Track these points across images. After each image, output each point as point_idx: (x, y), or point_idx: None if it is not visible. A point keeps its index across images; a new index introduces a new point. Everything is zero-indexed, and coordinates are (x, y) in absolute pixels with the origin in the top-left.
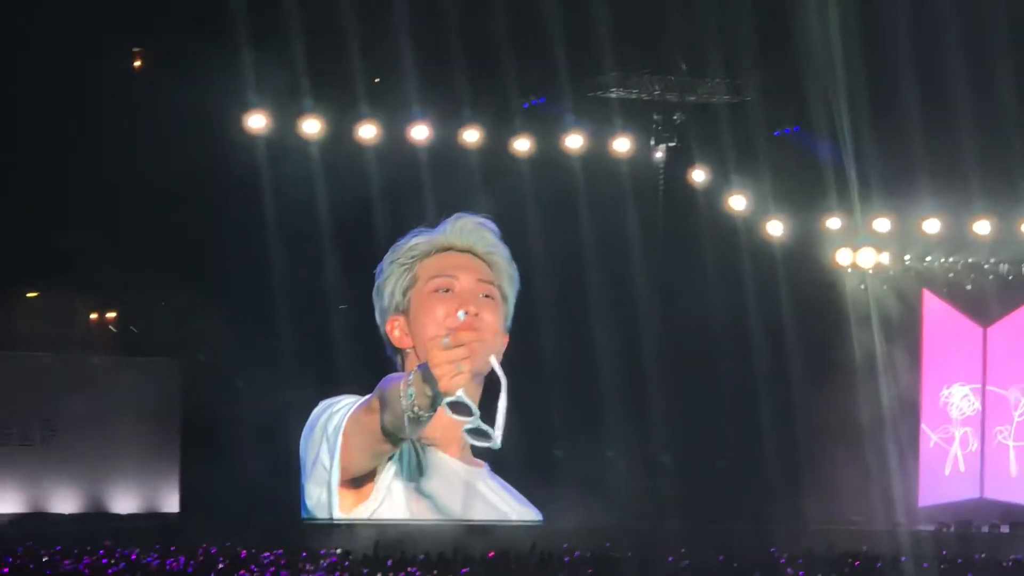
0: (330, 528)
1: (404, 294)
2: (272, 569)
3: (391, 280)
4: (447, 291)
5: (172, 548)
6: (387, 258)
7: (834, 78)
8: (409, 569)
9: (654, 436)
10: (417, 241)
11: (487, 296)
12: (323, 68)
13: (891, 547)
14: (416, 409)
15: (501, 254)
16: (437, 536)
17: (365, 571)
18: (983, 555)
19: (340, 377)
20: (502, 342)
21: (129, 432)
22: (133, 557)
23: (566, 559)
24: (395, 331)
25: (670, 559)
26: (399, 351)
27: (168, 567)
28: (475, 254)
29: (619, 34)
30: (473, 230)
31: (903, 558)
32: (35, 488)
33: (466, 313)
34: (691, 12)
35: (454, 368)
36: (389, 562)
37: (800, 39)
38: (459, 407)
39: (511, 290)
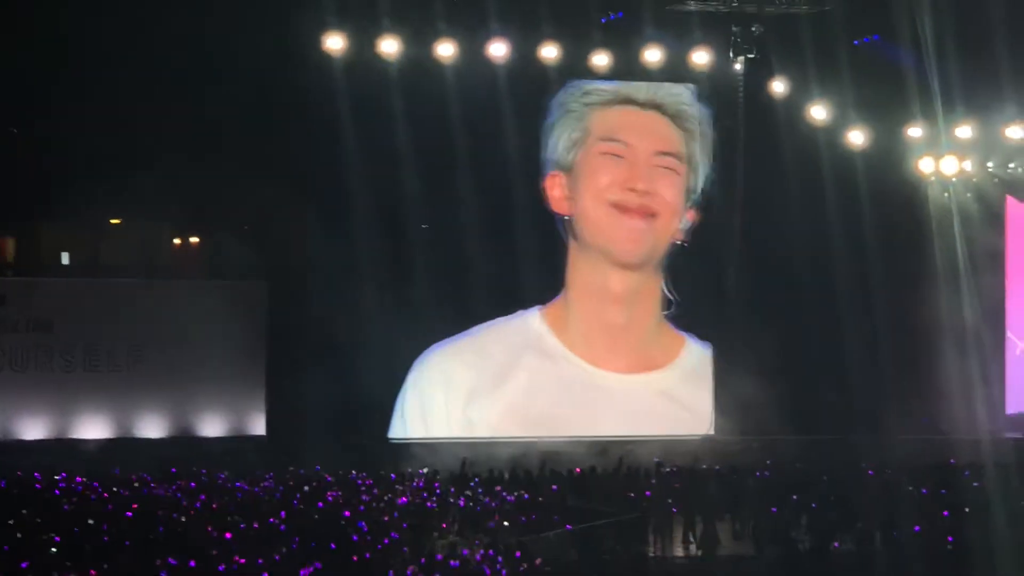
0: (416, 447)
1: (569, 150)
2: (362, 490)
3: (558, 129)
4: (617, 157)
5: (260, 471)
6: (559, 99)
7: None
8: (496, 488)
9: (737, 348)
10: (597, 87)
11: (666, 168)
12: None
13: (978, 455)
14: None
15: (695, 114)
16: (525, 453)
17: (452, 489)
18: None
19: (422, 297)
20: (685, 219)
21: (215, 356)
22: (221, 479)
23: (653, 477)
24: (555, 189)
25: (756, 474)
26: (560, 218)
27: (256, 490)
28: (662, 112)
29: None
30: (665, 86)
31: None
32: (123, 413)
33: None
34: None
35: None
36: (476, 480)
37: None
38: None
39: (704, 157)
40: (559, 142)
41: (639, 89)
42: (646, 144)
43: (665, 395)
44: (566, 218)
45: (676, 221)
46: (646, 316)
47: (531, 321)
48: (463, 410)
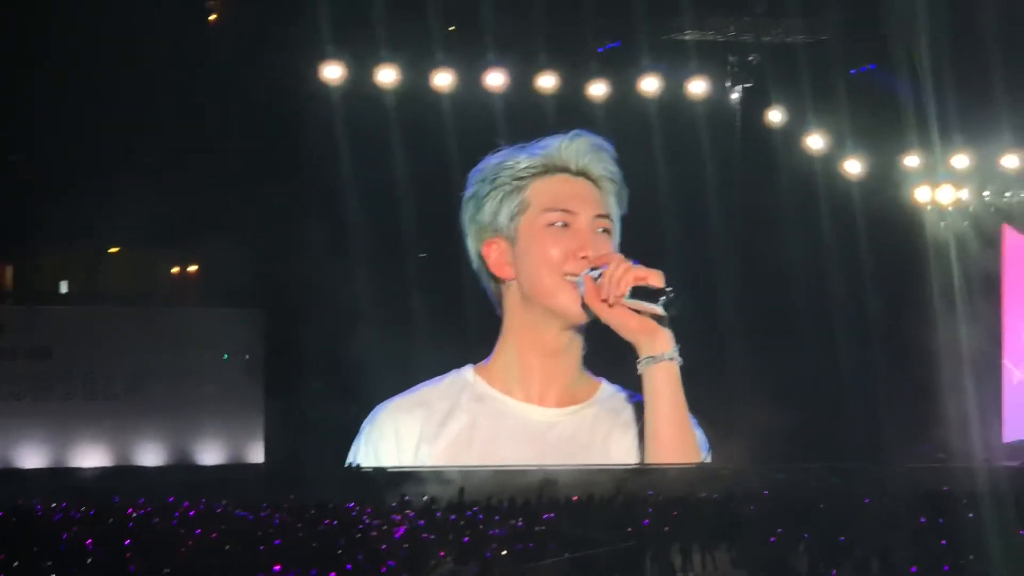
0: (415, 475)
1: (511, 219)
2: (360, 517)
3: (492, 201)
4: (564, 226)
5: (258, 499)
6: (480, 175)
7: (914, 13)
8: (494, 517)
9: (733, 375)
10: (521, 159)
11: (604, 231)
12: (398, 17)
13: (975, 484)
14: None
15: (616, 179)
16: (524, 482)
17: (452, 517)
18: None
19: (420, 325)
20: None
21: (213, 383)
22: (219, 510)
23: (650, 505)
24: (493, 255)
25: (752, 504)
26: (496, 280)
27: (254, 519)
28: (590, 178)
29: None
30: (590, 151)
31: (987, 495)
32: (121, 441)
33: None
34: None
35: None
36: (475, 508)
37: None
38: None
39: (619, 216)
40: (498, 211)
41: (569, 158)
42: (587, 210)
43: (592, 423)
44: (506, 283)
45: None
46: (576, 362)
47: (465, 375)
48: (413, 455)
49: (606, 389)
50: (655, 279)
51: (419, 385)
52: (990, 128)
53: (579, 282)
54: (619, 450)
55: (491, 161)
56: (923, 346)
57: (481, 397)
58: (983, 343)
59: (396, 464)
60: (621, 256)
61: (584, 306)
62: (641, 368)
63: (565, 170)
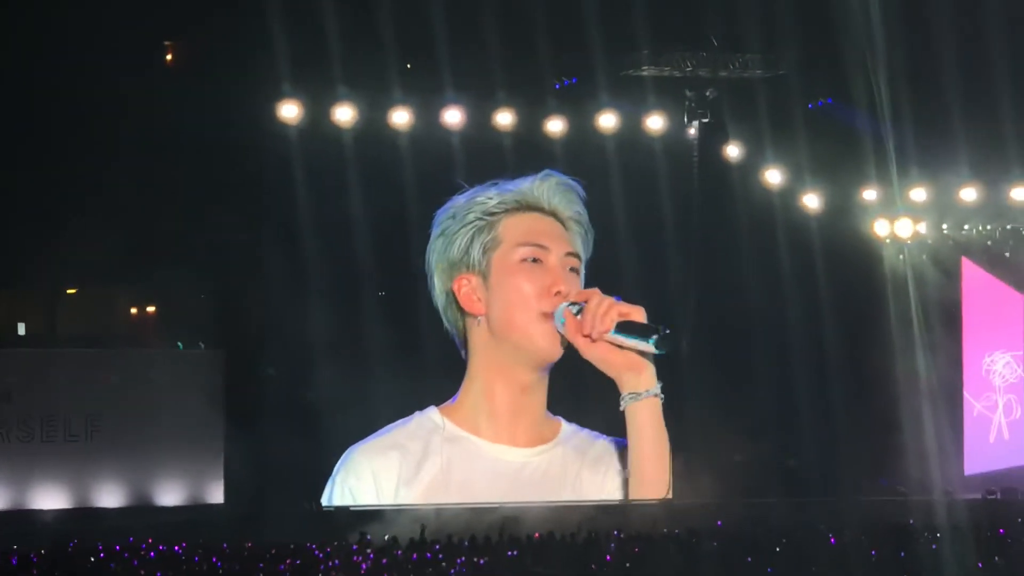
0: (377, 514)
1: (484, 254)
2: (321, 557)
3: (463, 237)
4: (536, 261)
5: (218, 541)
6: (448, 214)
7: (871, 48)
8: (455, 556)
9: (692, 411)
10: (492, 195)
11: (572, 270)
12: (355, 55)
13: (936, 517)
14: None
15: (584, 221)
16: (484, 520)
17: (414, 556)
18: None
19: (379, 365)
20: None
21: (173, 424)
22: (178, 550)
23: (612, 543)
24: (463, 290)
25: (714, 540)
26: (463, 316)
27: (214, 560)
28: (559, 219)
29: (650, 10)
30: (561, 192)
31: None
32: (81, 483)
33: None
34: None
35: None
36: (436, 547)
37: (836, 10)
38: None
39: (585, 258)
40: (470, 247)
41: (540, 197)
42: (558, 247)
43: (562, 461)
44: (475, 318)
45: None
46: (542, 400)
47: (432, 416)
48: (393, 497)
49: (566, 428)
50: (638, 315)
51: (388, 427)
52: (948, 161)
53: (557, 316)
54: (591, 488)
55: (459, 200)
56: (883, 379)
57: (452, 439)
58: (943, 376)
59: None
60: (600, 292)
61: (560, 343)
62: (624, 404)
63: (537, 208)
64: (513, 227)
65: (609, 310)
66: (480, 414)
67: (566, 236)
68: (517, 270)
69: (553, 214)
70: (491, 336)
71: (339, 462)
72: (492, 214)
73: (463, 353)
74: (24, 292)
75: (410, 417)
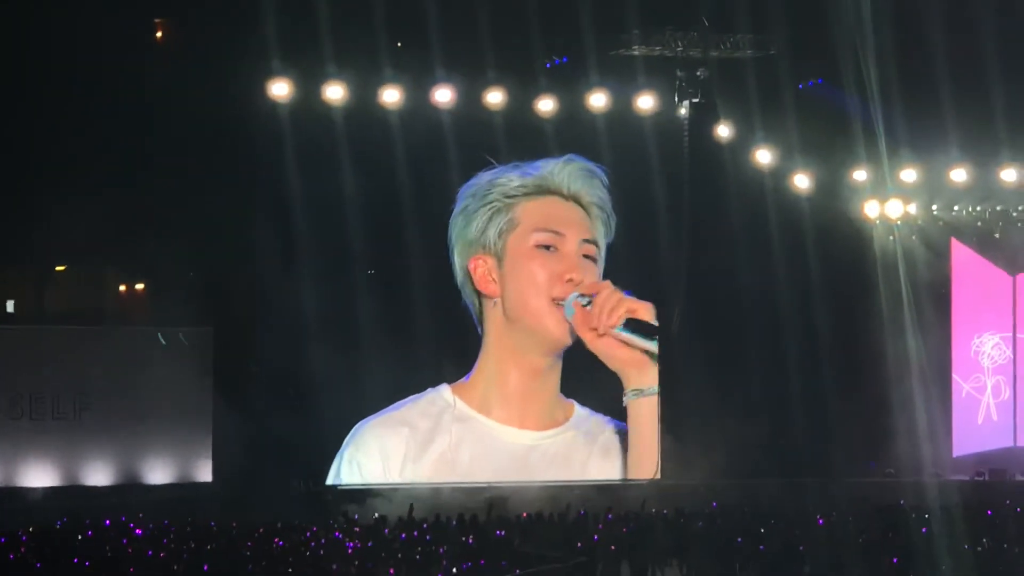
0: (363, 493)
1: (500, 236)
2: (308, 537)
3: (481, 217)
4: (550, 248)
5: (206, 519)
6: (470, 191)
7: (861, 29)
8: (443, 533)
9: (682, 391)
10: (513, 178)
11: (587, 257)
12: (346, 34)
13: (925, 498)
14: None
15: (606, 207)
16: (472, 499)
17: (403, 536)
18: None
19: (367, 342)
20: None
21: (162, 402)
22: (167, 525)
23: (600, 522)
24: (479, 270)
25: (701, 521)
26: (479, 296)
27: (203, 537)
28: (580, 204)
29: None
30: (583, 177)
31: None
32: (70, 461)
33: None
34: None
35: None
36: (424, 525)
37: None
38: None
39: (605, 241)
40: (486, 228)
41: (562, 182)
42: (575, 234)
43: (571, 446)
44: (490, 300)
45: None
46: (555, 385)
47: (444, 394)
48: (399, 473)
49: (579, 411)
50: (646, 312)
51: (400, 403)
52: (938, 143)
53: (567, 306)
54: (598, 475)
55: (483, 178)
56: (873, 360)
57: (462, 418)
58: (933, 357)
59: (383, 481)
60: (611, 285)
61: (571, 330)
62: (627, 400)
63: (557, 193)
64: (531, 211)
65: (617, 306)
66: (492, 395)
67: (586, 222)
68: (531, 255)
69: (574, 199)
70: (505, 319)
71: (348, 436)
72: (511, 196)
73: (479, 330)
74: (13, 269)
75: (422, 393)
